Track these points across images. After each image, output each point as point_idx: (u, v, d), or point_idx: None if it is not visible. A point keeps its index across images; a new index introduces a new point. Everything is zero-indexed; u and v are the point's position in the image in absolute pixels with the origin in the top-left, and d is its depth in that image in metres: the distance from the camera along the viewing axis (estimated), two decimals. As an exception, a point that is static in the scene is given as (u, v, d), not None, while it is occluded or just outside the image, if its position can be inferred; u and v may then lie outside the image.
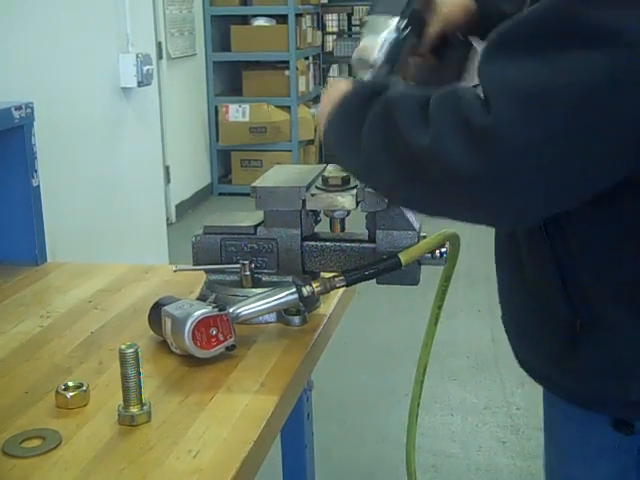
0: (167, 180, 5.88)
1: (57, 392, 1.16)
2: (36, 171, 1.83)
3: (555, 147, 0.90)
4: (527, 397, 3.25)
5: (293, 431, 1.73)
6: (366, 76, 1.25)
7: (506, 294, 1.26)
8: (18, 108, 1.78)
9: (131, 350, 1.10)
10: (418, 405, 1.51)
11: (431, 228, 1.42)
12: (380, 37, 1.25)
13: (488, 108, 0.91)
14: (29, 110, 1.81)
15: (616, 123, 0.88)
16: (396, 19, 1.26)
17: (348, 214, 1.42)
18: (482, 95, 0.94)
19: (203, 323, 1.25)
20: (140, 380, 1.11)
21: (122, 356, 1.10)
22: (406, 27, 1.26)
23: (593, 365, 1.09)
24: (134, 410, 1.11)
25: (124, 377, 1.11)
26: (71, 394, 1.16)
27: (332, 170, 1.41)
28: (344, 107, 1.13)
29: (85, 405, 1.16)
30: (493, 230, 1.27)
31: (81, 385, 1.17)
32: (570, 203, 0.99)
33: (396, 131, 1.00)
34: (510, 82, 0.91)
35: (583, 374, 1.11)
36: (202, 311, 1.26)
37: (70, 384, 1.17)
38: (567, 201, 0.98)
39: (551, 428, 1.26)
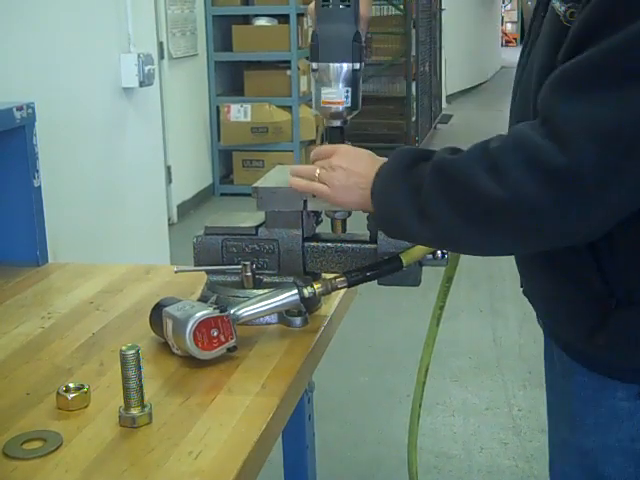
0: (169, 180, 5.87)
1: (58, 393, 1.16)
2: (37, 171, 1.83)
3: (630, 178, 0.96)
4: (529, 398, 3.24)
5: (294, 432, 1.73)
6: (337, 123, 1.37)
7: (529, 270, 1.26)
8: (19, 108, 1.78)
9: (132, 351, 1.10)
10: (420, 406, 1.51)
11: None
12: (341, 88, 1.35)
13: (561, 147, 0.96)
14: (30, 110, 1.81)
15: None
16: (346, 65, 1.34)
17: (349, 215, 1.42)
18: (546, 129, 0.98)
19: (204, 324, 1.25)
20: (141, 381, 1.11)
21: (123, 357, 1.10)
22: (360, 66, 1.35)
23: (626, 339, 1.10)
24: (135, 412, 1.10)
25: (125, 378, 1.10)
26: (72, 395, 1.15)
27: None
28: (390, 181, 1.15)
29: (86, 407, 1.16)
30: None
31: (82, 386, 1.17)
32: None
33: (465, 193, 1.04)
34: (588, 124, 0.95)
35: (616, 347, 1.12)
36: (203, 312, 1.26)
37: (71, 385, 1.17)
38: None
39: (562, 403, 1.25)
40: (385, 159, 1.21)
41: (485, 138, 1.07)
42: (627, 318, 1.09)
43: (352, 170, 1.23)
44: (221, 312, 1.27)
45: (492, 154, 1.02)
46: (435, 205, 1.07)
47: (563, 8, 1.04)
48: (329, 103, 1.36)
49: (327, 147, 1.32)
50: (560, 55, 1.03)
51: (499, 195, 1.00)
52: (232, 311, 1.29)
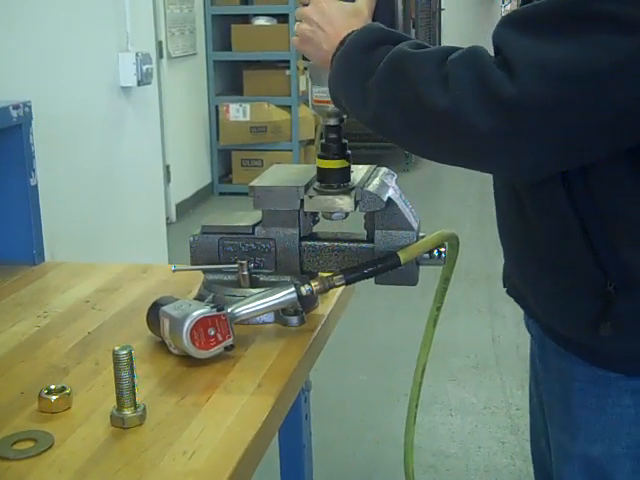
0: (167, 180, 5.87)
1: (40, 396, 1.14)
2: (34, 170, 1.82)
3: (574, 119, 0.96)
4: (527, 398, 3.24)
5: (291, 431, 1.72)
6: (333, 121, 1.38)
7: (520, 268, 1.24)
8: (16, 107, 1.77)
9: (124, 352, 1.09)
10: (416, 406, 1.51)
11: (429, 228, 1.41)
12: None
13: (511, 77, 0.95)
14: (27, 109, 1.80)
15: (633, 98, 0.94)
16: None
17: (346, 216, 1.41)
18: (498, 58, 0.98)
19: (201, 323, 1.25)
20: (134, 382, 1.10)
21: (115, 357, 1.09)
22: None
23: (631, 326, 1.09)
24: (127, 412, 1.09)
25: (117, 379, 1.09)
26: (54, 397, 1.14)
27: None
28: (348, 58, 1.16)
29: (68, 409, 1.15)
30: (492, 226, 1.28)
31: (64, 388, 1.15)
32: (582, 162, 1.04)
33: (410, 88, 1.04)
34: (539, 58, 0.95)
35: (622, 337, 1.10)
36: (200, 311, 1.25)
37: (53, 387, 1.15)
38: (580, 162, 1.04)
39: (563, 410, 1.22)
40: (358, 22, 1.21)
41: None
42: (629, 304, 1.07)
43: (320, 27, 1.23)
44: (218, 311, 1.27)
45: (448, 64, 1.01)
46: (381, 87, 1.08)
47: None
48: (320, 102, 1.35)
49: None
50: None
51: (441, 103, 1.00)
52: (229, 310, 1.29)
